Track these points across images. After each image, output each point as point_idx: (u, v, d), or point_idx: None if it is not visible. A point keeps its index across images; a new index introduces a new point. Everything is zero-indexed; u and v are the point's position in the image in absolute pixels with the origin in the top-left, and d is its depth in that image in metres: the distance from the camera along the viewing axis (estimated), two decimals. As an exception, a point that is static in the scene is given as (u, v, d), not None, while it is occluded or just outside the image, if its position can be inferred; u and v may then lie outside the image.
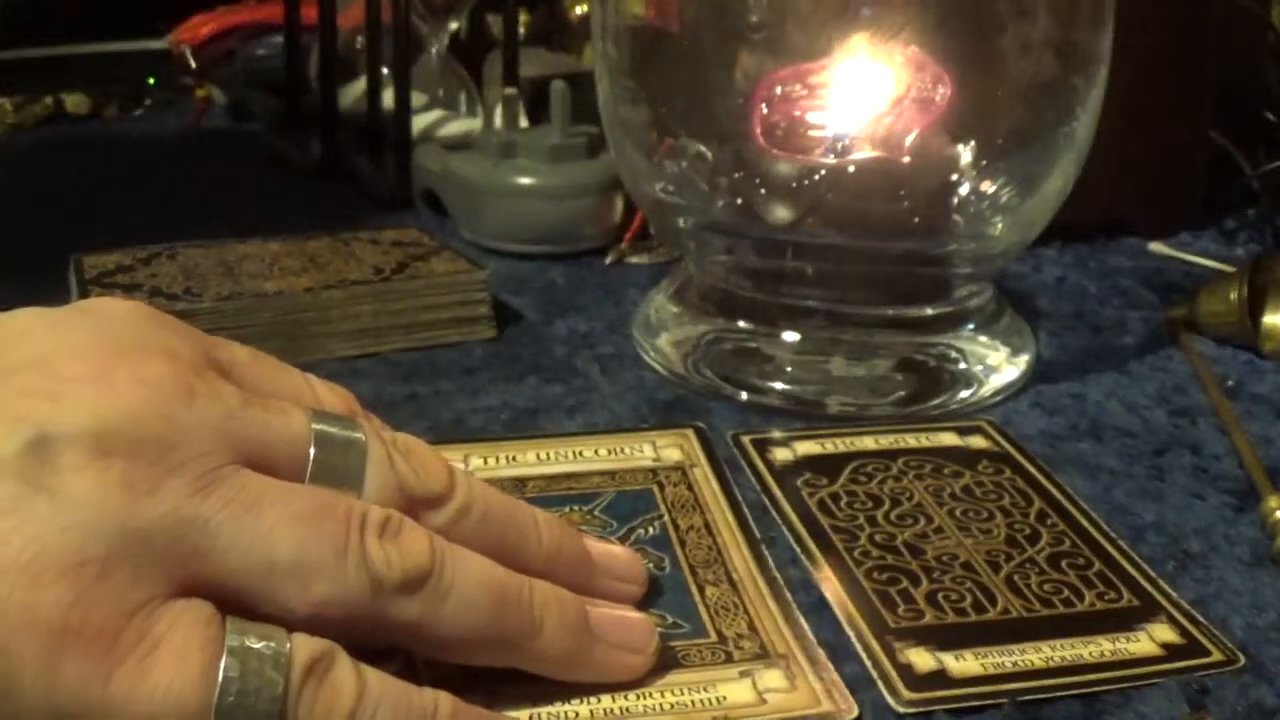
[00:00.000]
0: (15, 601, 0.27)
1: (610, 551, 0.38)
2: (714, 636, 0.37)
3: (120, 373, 0.30)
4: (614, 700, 0.34)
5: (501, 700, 0.34)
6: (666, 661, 0.36)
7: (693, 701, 0.34)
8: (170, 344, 0.33)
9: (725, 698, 0.34)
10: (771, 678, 0.35)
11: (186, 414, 0.30)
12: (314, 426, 0.33)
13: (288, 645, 0.29)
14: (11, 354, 0.31)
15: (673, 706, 0.34)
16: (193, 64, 1.05)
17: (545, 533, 0.36)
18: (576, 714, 0.34)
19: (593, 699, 0.34)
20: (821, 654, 0.36)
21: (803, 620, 0.38)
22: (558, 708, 0.34)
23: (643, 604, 0.38)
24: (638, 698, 0.34)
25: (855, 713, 0.34)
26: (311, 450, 0.33)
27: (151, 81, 1.09)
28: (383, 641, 0.32)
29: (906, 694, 0.35)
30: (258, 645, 0.29)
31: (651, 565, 0.40)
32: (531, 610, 0.33)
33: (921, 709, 0.34)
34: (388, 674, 0.31)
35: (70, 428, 0.29)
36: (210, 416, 0.31)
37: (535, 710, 0.34)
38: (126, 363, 0.31)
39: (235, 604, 0.30)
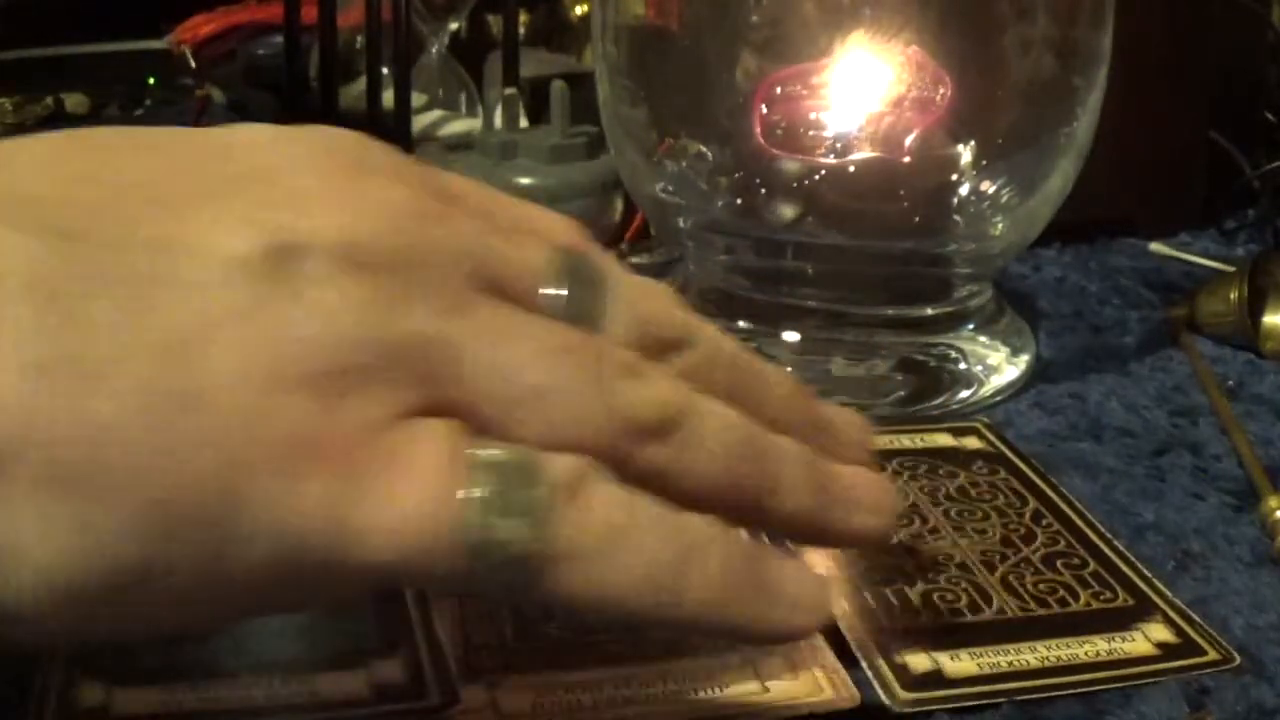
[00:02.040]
0: (251, 410, 0.25)
1: (839, 411, 0.36)
2: None
3: (357, 190, 0.29)
4: (616, 689, 0.34)
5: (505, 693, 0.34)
6: (669, 651, 0.35)
7: (694, 690, 0.34)
8: (402, 168, 0.31)
9: (727, 686, 0.34)
10: (774, 666, 0.35)
11: (430, 235, 0.29)
12: (553, 260, 0.31)
13: (543, 461, 0.27)
14: (235, 164, 0.29)
15: (675, 695, 0.34)
16: (193, 64, 1.05)
17: (783, 387, 0.34)
18: (578, 702, 0.34)
19: (595, 688, 0.34)
20: (823, 641, 0.36)
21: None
22: (560, 697, 0.34)
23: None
24: (640, 685, 0.34)
25: (857, 700, 0.34)
26: (552, 285, 0.30)
27: (151, 81, 1.09)
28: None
29: (903, 694, 0.35)
30: (511, 459, 0.27)
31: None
32: (776, 465, 0.31)
33: (919, 709, 0.34)
34: (652, 497, 0.29)
35: (315, 237, 0.27)
36: (453, 240, 0.29)
37: (538, 700, 0.34)
38: (363, 182, 0.29)
39: (480, 433, 0.28)
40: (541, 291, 0.30)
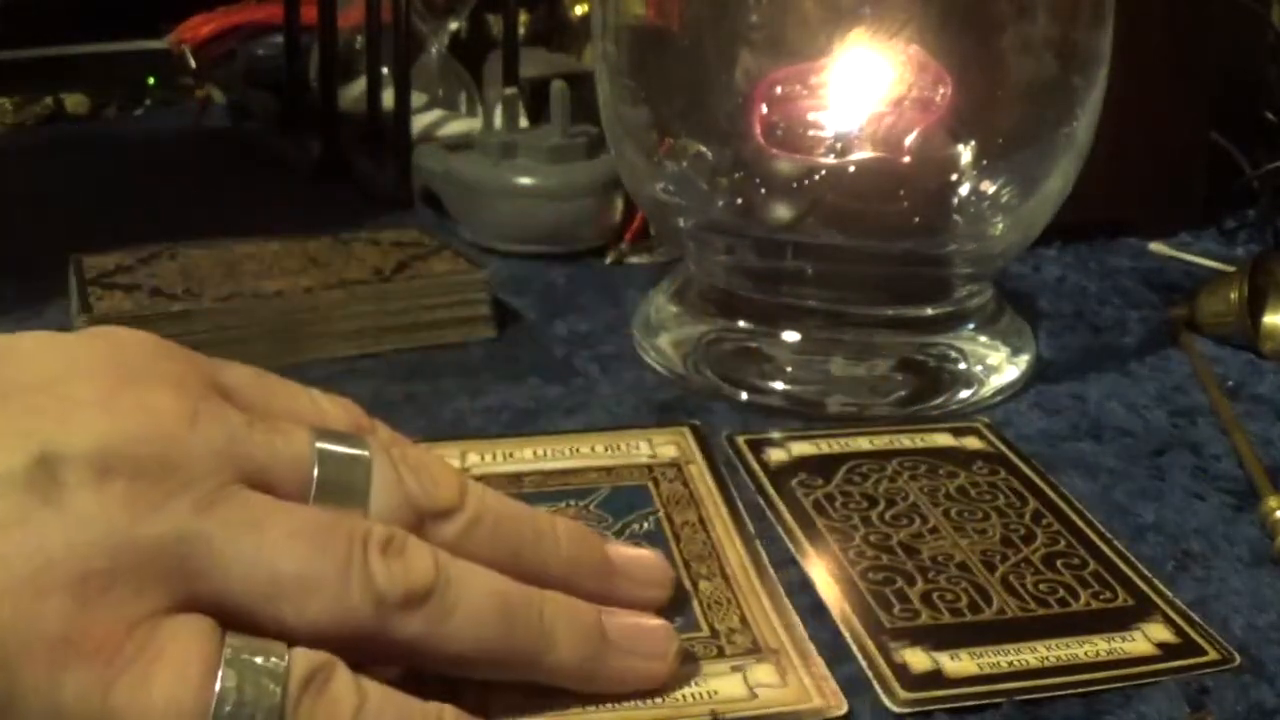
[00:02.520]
0: (19, 615, 0.28)
1: (633, 555, 0.38)
2: (706, 631, 0.37)
3: (126, 398, 0.31)
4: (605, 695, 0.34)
5: (494, 696, 0.34)
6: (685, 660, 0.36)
7: (684, 695, 0.34)
8: (176, 371, 0.33)
9: (716, 692, 0.34)
10: (762, 672, 0.35)
11: (189, 437, 0.31)
12: (317, 445, 0.33)
13: (286, 658, 0.30)
14: (20, 374, 0.31)
15: (664, 700, 0.34)
16: (193, 64, 1.06)
17: (564, 540, 0.36)
18: (568, 706, 0.34)
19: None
20: (813, 649, 0.36)
21: (794, 614, 0.38)
22: (547, 700, 0.34)
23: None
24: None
25: (844, 709, 0.34)
26: (315, 469, 0.33)
27: (151, 81, 1.09)
28: (388, 660, 0.32)
29: (903, 694, 0.35)
30: (256, 658, 0.29)
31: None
32: (541, 624, 0.33)
33: (918, 709, 0.34)
34: (388, 686, 0.31)
35: (75, 448, 0.29)
36: (213, 439, 0.31)
37: (527, 701, 0.34)
38: (133, 389, 0.31)
39: (237, 621, 0.30)
40: (304, 478, 0.33)
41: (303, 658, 0.30)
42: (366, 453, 0.34)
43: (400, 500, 0.33)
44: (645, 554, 0.38)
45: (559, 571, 0.35)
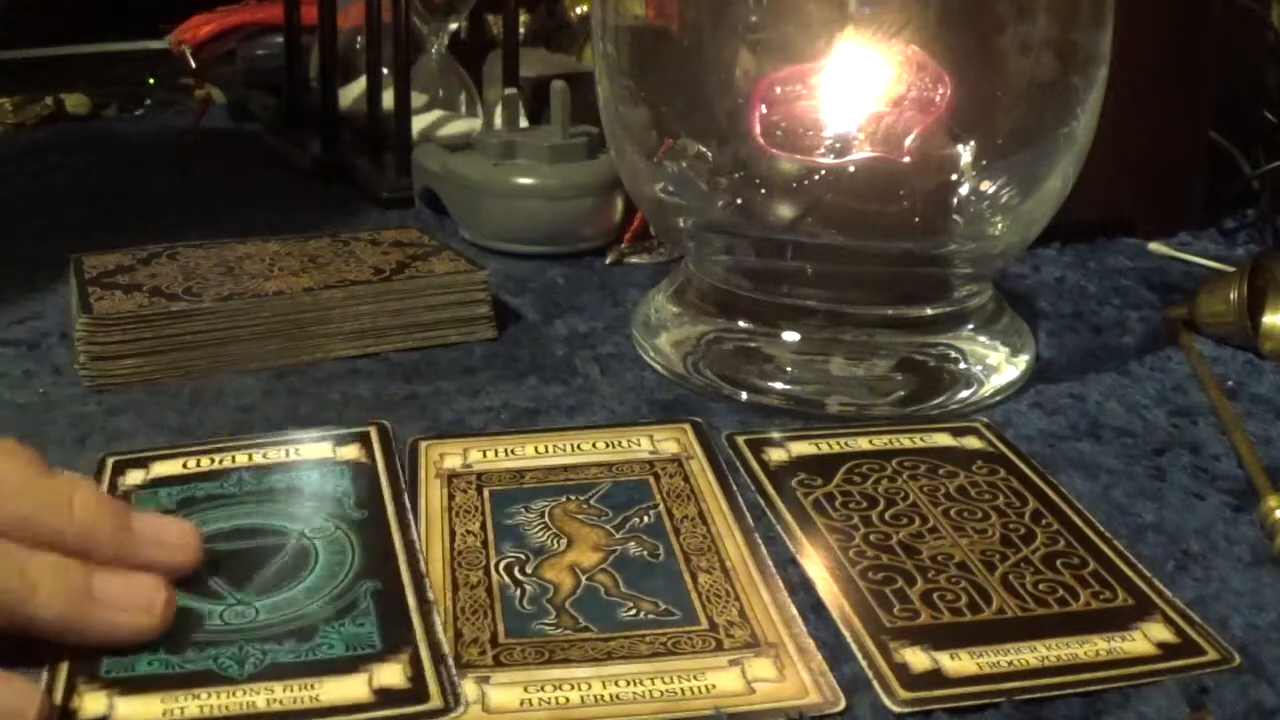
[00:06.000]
0: None
1: (159, 522, 0.40)
2: (705, 624, 0.37)
3: None
4: (604, 687, 0.34)
5: (494, 688, 0.34)
6: (658, 650, 0.36)
7: (682, 689, 0.34)
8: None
9: (714, 686, 0.35)
10: (761, 667, 0.35)
11: None
12: None
13: None
14: None
15: (662, 694, 0.34)
16: (193, 64, 1.06)
17: (79, 510, 0.38)
18: (566, 699, 0.34)
19: (583, 685, 0.34)
20: (811, 644, 0.37)
21: (793, 609, 0.38)
22: (548, 694, 0.34)
23: (639, 589, 0.39)
24: (627, 684, 0.35)
25: (842, 704, 0.34)
26: None
27: (151, 81, 1.09)
28: None
29: (902, 694, 0.35)
30: None
31: (646, 553, 0.41)
32: (22, 579, 0.35)
33: (918, 708, 0.34)
34: None
35: None
36: None
37: (526, 696, 0.34)
38: None
39: None
40: None
41: None
42: None
43: None
44: (173, 521, 0.41)
45: (74, 538, 0.37)
